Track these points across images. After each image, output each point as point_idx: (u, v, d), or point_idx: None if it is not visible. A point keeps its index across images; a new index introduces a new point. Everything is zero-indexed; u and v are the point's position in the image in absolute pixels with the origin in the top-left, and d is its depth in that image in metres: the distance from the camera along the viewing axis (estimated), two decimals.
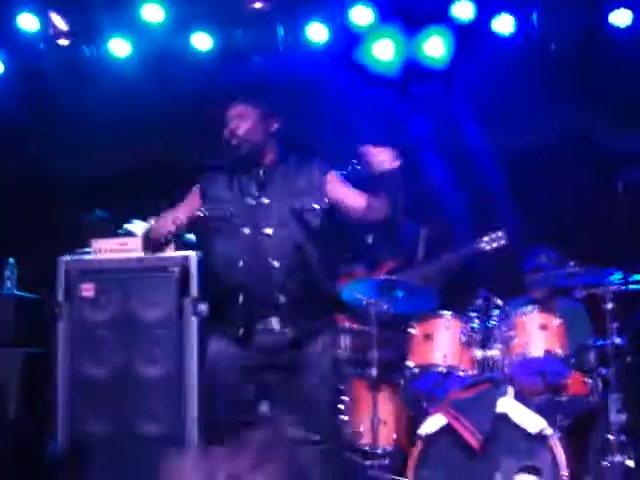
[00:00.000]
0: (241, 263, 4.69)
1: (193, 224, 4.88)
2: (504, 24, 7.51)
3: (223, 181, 4.87)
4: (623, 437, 5.59)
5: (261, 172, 4.82)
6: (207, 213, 4.81)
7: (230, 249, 4.72)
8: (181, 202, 4.95)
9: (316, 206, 4.79)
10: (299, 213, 4.76)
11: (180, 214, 4.79)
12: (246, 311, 4.71)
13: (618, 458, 5.53)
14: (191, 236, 6.07)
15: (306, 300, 4.71)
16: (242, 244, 4.72)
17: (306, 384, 4.74)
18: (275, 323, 4.69)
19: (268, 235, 4.71)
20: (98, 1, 7.46)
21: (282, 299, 4.68)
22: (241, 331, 4.72)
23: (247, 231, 4.73)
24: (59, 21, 7.61)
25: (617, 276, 5.72)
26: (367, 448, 5.82)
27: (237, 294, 4.70)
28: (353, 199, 4.85)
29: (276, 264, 4.69)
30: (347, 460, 5.71)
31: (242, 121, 4.79)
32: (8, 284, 6.34)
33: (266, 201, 4.77)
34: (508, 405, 5.49)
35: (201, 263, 5.75)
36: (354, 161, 6.28)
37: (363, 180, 6.11)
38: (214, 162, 4.95)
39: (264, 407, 4.76)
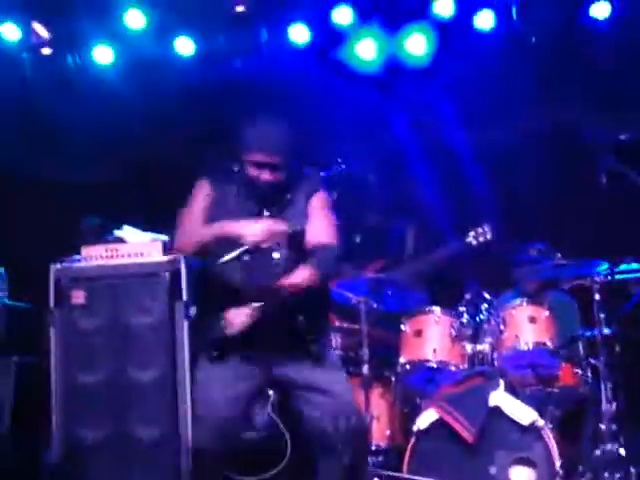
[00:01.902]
0: (244, 287, 4.64)
1: None
2: (485, 19, 7.56)
3: (231, 192, 4.80)
4: (614, 426, 5.65)
5: (268, 195, 4.75)
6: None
7: (233, 272, 4.67)
8: (191, 202, 4.85)
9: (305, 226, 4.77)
10: (296, 236, 4.70)
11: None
12: (245, 339, 4.65)
13: (610, 447, 5.59)
14: None
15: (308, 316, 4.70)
16: (246, 269, 4.66)
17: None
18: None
19: (276, 259, 4.66)
20: (80, 9, 7.49)
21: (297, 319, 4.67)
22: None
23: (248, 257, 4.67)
24: (42, 30, 7.64)
25: (604, 267, 5.77)
26: None
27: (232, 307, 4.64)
28: (313, 235, 4.75)
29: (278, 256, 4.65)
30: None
31: (274, 171, 4.68)
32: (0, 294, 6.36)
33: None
34: (500, 398, 5.52)
35: (190, 267, 5.77)
36: (339, 160, 6.36)
37: (345, 180, 6.17)
38: (223, 165, 4.86)
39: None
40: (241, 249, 4.61)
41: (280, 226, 4.60)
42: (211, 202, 4.81)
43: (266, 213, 4.74)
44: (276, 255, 4.65)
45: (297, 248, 4.71)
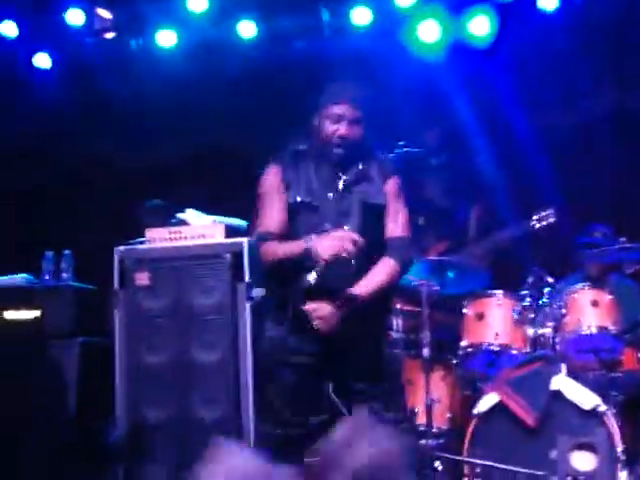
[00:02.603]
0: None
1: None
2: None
3: (306, 169, 4.77)
4: None
5: (345, 165, 4.73)
6: (294, 200, 4.72)
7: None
8: (265, 192, 4.82)
9: (383, 202, 4.77)
10: (372, 208, 4.72)
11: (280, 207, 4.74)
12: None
13: None
14: (241, 222, 6.13)
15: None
16: None
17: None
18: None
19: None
20: None
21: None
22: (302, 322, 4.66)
23: (328, 226, 4.65)
24: (105, 15, 7.72)
25: None
26: (422, 428, 5.86)
27: (309, 288, 4.60)
28: (391, 226, 4.76)
29: (352, 261, 4.56)
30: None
31: (352, 125, 4.65)
32: (65, 275, 6.44)
33: (346, 197, 4.70)
34: (561, 382, 5.50)
35: (253, 248, 5.80)
36: (401, 143, 6.34)
37: (410, 163, 6.15)
38: (294, 147, 4.85)
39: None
40: (318, 268, 4.53)
41: (353, 235, 4.53)
42: (284, 185, 4.77)
43: (343, 178, 4.69)
44: (347, 228, 4.63)
45: (369, 222, 4.71)
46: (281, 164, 4.82)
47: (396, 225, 4.78)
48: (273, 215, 4.78)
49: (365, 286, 4.63)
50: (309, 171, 4.77)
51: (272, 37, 7.89)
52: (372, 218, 4.74)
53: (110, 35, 7.93)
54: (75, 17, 7.78)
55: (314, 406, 4.83)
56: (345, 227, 4.64)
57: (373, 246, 4.66)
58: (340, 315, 4.59)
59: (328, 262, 4.49)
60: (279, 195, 4.78)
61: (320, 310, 4.59)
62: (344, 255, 4.48)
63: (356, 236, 4.52)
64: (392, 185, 4.82)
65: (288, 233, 4.74)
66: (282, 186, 4.78)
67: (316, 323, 4.59)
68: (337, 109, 4.67)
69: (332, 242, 4.51)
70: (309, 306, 4.60)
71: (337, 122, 4.67)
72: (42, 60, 8.07)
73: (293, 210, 4.75)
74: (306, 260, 4.55)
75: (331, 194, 4.71)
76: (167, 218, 6.26)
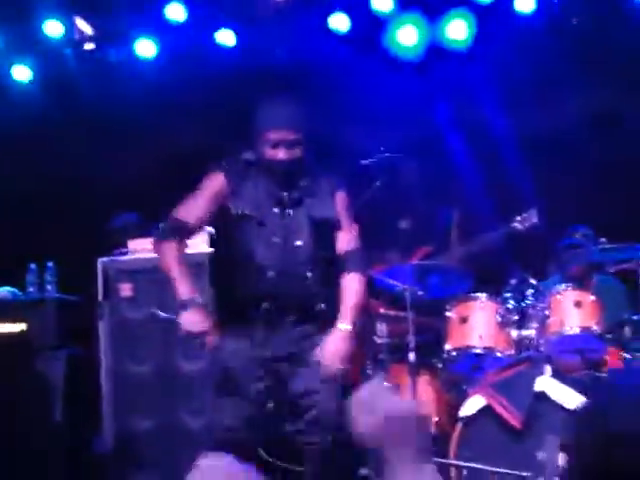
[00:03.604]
0: (270, 273, 4.63)
1: (219, 217, 4.81)
2: (525, 3, 7.50)
3: (252, 180, 4.76)
4: None
5: (288, 182, 4.74)
6: (239, 212, 4.71)
7: (259, 257, 4.66)
8: (201, 191, 4.81)
9: (332, 215, 4.81)
10: (321, 222, 4.75)
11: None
12: (268, 320, 4.65)
13: None
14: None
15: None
16: (272, 253, 4.66)
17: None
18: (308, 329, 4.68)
19: (298, 246, 4.68)
20: (122, 3, 7.55)
21: (318, 307, 4.69)
22: (259, 338, 4.66)
23: (277, 240, 4.67)
24: (84, 25, 7.71)
25: None
26: None
27: (260, 303, 4.63)
28: (342, 242, 4.82)
29: (309, 274, 4.67)
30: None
31: (291, 148, 4.63)
32: (49, 287, 6.43)
33: (291, 212, 4.72)
34: (546, 383, 5.51)
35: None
36: (382, 148, 6.35)
37: (389, 168, 6.17)
38: (243, 156, 4.82)
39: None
40: None
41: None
42: (225, 195, 4.76)
43: (286, 194, 4.71)
44: (299, 242, 4.69)
45: (320, 237, 4.75)
46: (228, 173, 4.79)
47: (350, 238, 4.82)
48: (195, 210, 4.78)
49: (348, 315, 4.67)
50: (255, 183, 4.75)
51: (251, 46, 7.89)
52: (322, 232, 4.76)
53: (90, 46, 7.91)
54: (54, 28, 7.76)
55: None
56: (297, 242, 4.68)
57: (326, 258, 4.75)
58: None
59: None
60: (211, 199, 4.77)
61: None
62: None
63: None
64: (340, 200, 4.85)
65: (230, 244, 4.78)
66: (220, 194, 4.76)
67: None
68: (274, 135, 4.63)
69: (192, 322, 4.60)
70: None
71: (275, 147, 4.64)
72: (21, 72, 8.04)
73: (239, 222, 4.73)
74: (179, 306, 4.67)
75: (276, 209, 4.71)
76: (140, 230, 6.24)
